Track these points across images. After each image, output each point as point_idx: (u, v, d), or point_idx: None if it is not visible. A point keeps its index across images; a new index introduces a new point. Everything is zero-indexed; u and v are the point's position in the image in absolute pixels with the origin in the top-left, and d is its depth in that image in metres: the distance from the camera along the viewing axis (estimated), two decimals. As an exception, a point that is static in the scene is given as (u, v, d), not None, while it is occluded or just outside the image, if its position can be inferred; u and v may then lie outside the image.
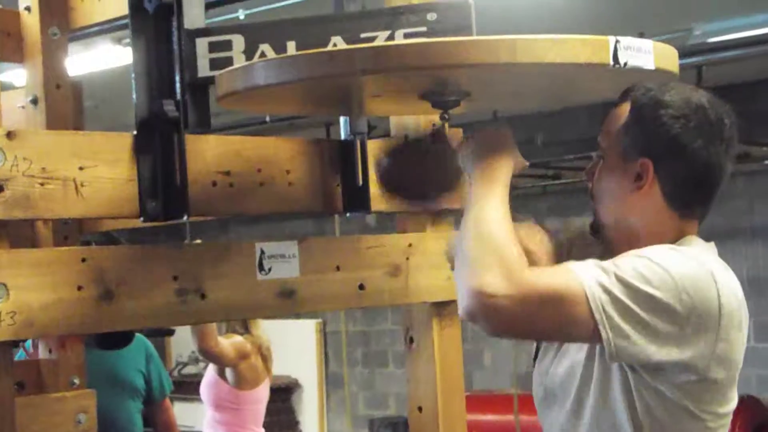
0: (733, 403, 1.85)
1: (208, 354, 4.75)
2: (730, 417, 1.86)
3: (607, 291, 1.70)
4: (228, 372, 4.87)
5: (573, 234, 2.07)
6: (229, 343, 4.78)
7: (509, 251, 1.72)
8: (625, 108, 1.89)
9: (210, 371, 5.00)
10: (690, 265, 1.76)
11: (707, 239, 1.91)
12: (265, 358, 4.96)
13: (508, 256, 1.71)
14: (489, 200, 1.79)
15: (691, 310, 1.73)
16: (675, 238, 1.86)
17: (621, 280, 1.71)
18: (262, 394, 4.99)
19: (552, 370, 1.96)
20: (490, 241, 1.73)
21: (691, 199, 1.88)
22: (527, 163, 1.94)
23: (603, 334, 1.70)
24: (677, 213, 1.87)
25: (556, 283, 1.71)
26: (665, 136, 1.83)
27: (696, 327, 1.74)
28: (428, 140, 2.06)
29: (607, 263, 1.75)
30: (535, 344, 2.10)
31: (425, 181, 2.10)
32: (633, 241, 1.86)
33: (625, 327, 1.70)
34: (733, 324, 1.79)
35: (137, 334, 4.44)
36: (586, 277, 1.71)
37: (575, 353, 1.89)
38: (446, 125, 2.04)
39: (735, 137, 1.88)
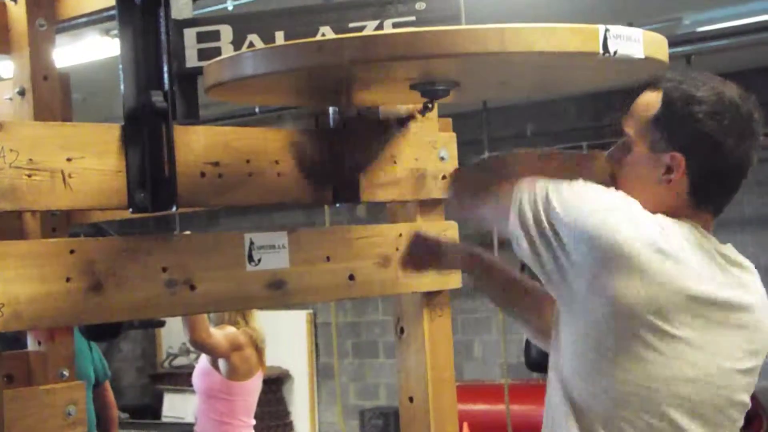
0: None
1: (199, 345, 4.75)
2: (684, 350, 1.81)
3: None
4: (221, 362, 4.86)
5: None
6: (222, 334, 4.77)
7: None
8: (655, 98, 1.88)
9: (203, 360, 5.00)
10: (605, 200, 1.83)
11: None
12: (260, 351, 4.95)
13: None
14: None
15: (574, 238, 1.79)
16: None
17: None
18: (254, 385, 4.99)
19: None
20: None
21: (714, 192, 1.89)
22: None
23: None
24: (693, 204, 1.88)
25: None
26: (699, 133, 1.84)
27: (576, 251, 1.79)
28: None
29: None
30: (525, 335, 2.13)
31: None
32: None
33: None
34: (622, 265, 1.77)
35: None
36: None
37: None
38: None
39: (761, 128, 1.89)
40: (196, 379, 5.05)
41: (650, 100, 1.89)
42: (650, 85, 1.89)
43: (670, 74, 1.88)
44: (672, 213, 1.86)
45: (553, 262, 1.81)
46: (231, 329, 4.83)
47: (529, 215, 1.84)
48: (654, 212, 1.85)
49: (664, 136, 1.86)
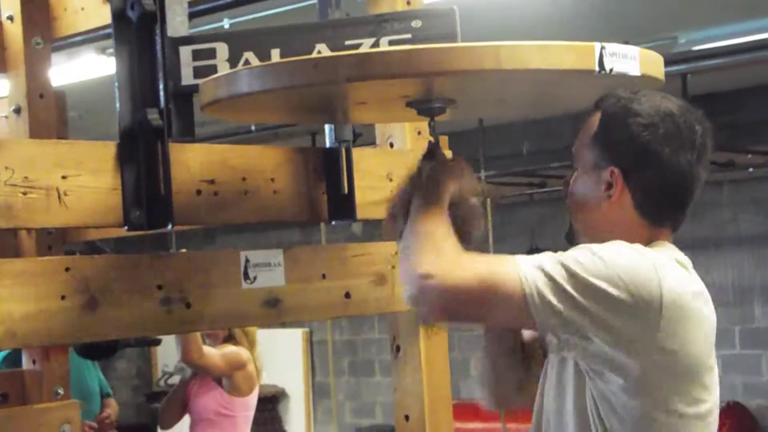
0: (706, 405, 1.82)
1: (193, 366, 4.71)
2: (708, 420, 1.83)
3: (545, 272, 1.72)
4: (223, 379, 4.82)
5: None
6: (219, 354, 4.72)
7: (444, 240, 1.78)
8: (596, 118, 1.90)
9: (203, 378, 4.94)
10: (629, 256, 1.76)
11: (693, 247, 1.92)
12: (258, 371, 4.93)
13: (442, 243, 1.77)
14: (430, 211, 1.84)
15: (627, 296, 1.72)
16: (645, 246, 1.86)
17: (562, 265, 1.73)
18: (254, 401, 4.96)
19: (546, 405, 1.95)
20: (427, 234, 1.79)
21: (661, 207, 1.88)
22: (479, 188, 1.97)
23: (533, 311, 1.71)
24: (648, 222, 1.87)
25: (490, 266, 1.75)
26: (634, 145, 1.83)
27: (631, 314, 1.73)
28: (422, 159, 2.03)
29: (553, 254, 1.77)
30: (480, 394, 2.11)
31: None
32: None
33: (557, 304, 1.71)
34: (680, 317, 1.76)
35: None
36: (523, 262, 1.74)
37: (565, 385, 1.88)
38: (440, 142, 2.03)
39: (708, 144, 1.87)
40: (196, 397, 4.95)
41: (593, 121, 1.90)
42: (596, 106, 1.90)
43: (612, 93, 1.88)
44: (631, 233, 1.85)
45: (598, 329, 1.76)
46: (231, 348, 4.78)
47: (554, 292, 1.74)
48: (609, 233, 1.85)
49: (602, 152, 1.87)
